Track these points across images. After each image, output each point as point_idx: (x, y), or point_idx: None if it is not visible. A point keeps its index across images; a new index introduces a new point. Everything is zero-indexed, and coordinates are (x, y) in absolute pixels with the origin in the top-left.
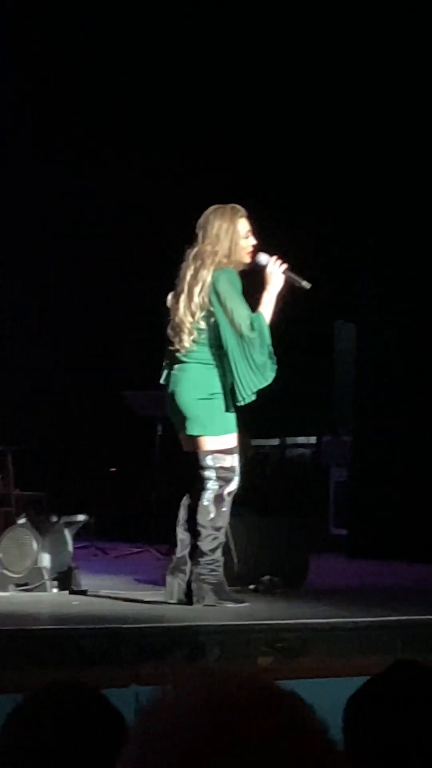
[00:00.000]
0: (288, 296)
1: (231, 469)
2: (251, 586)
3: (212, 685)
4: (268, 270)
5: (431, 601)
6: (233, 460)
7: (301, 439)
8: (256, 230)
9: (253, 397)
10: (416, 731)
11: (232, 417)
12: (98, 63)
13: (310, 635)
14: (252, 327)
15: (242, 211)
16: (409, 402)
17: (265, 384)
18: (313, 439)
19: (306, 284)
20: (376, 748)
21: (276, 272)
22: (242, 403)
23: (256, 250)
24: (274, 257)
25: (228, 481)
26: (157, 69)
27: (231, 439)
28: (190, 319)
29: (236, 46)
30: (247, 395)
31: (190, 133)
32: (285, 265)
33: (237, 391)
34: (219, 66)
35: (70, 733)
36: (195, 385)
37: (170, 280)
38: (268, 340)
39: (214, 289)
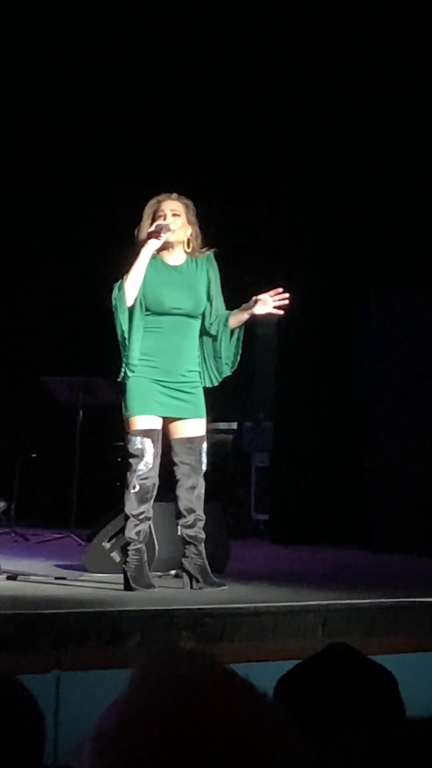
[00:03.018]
0: None
1: (135, 452)
2: (172, 572)
3: (190, 674)
4: None
5: (352, 585)
6: (140, 443)
7: (222, 425)
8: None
9: (128, 373)
10: (348, 715)
11: (137, 397)
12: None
13: (231, 620)
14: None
15: (159, 197)
16: (329, 387)
17: (126, 354)
18: (234, 425)
19: (165, 223)
20: (306, 731)
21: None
22: (124, 380)
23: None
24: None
25: (135, 464)
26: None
27: (137, 421)
28: None
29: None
30: (124, 372)
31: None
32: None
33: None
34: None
35: None
36: None
37: (87, 267)
38: (119, 306)
39: None
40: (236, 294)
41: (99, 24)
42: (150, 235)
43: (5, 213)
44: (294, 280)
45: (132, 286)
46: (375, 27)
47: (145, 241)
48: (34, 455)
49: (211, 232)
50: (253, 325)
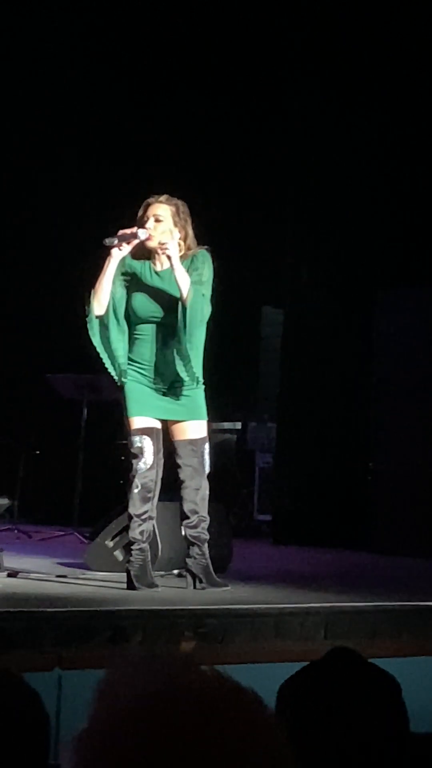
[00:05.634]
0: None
1: (135, 451)
2: (175, 571)
3: (162, 674)
4: None
5: (355, 587)
6: (139, 441)
7: (226, 425)
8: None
9: (118, 382)
10: (351, 720)
11: (134, 399)
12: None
13: (233, 621)
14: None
15: (148, 200)
16: (333, 388)
17: (105, 360)
18: (238, 425)
19: (141, 232)
20: (309, 736)
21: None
22: (121, 383)
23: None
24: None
25: (135, 464)
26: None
27: (135, 421)
28: None
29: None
30: (117, 379)
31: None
32: (122, 232)
33: None
34: None
35: None
36: None
37: (93, 264)
38: (88, 317)
39: None
40: (239, 293)
41: (100, 23)
42: (111, 248)
43: (10, 210)
44: (299, 280)
45: (100, 296)
46: (378, 28)
47: (109, 253)
48: (38, 452)
49: (216, 232)
50: (258, 325)
